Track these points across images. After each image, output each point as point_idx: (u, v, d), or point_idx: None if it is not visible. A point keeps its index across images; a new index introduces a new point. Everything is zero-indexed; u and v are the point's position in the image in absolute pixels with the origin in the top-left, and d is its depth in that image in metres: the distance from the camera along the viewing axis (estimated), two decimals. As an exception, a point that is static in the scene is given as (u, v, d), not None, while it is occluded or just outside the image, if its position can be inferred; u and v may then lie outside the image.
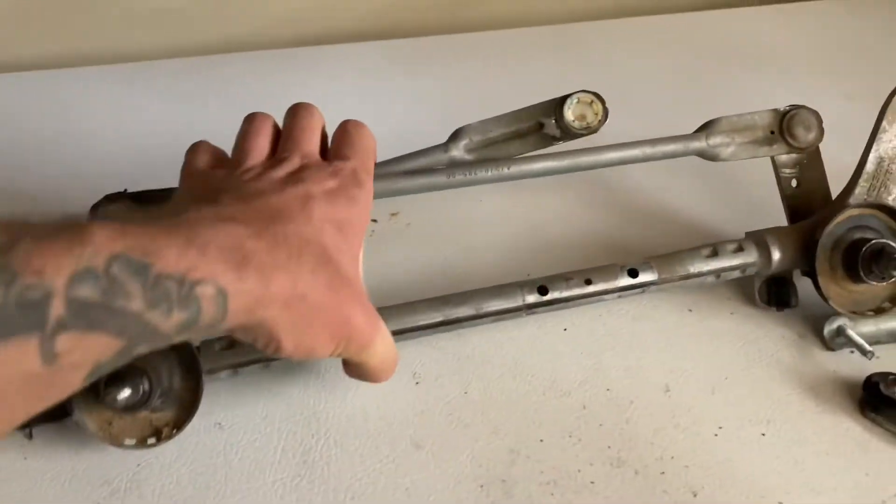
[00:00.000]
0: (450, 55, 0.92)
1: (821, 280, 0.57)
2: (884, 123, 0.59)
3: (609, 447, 0.54)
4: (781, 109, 0.63)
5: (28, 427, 0.51)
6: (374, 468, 0.52)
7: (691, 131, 0.64)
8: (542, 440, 0.54)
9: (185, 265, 0.34)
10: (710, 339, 0.61)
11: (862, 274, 0.55)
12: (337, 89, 0.85)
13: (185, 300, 0.34)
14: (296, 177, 0.45)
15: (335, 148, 0.50)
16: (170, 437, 0.50)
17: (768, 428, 0.55)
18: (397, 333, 0.53)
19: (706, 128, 0.63)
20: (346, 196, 0.45)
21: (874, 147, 0.60)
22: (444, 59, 0.91)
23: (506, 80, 0.88)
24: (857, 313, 0.58)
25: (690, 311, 0.63)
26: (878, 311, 0.58)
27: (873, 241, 0.55)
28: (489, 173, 0.60)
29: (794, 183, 0.63)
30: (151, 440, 0.50)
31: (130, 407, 0.47)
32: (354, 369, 0.50)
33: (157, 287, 0.33)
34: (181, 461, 0.52)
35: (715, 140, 0.62)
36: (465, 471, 0.52)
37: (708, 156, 0.63)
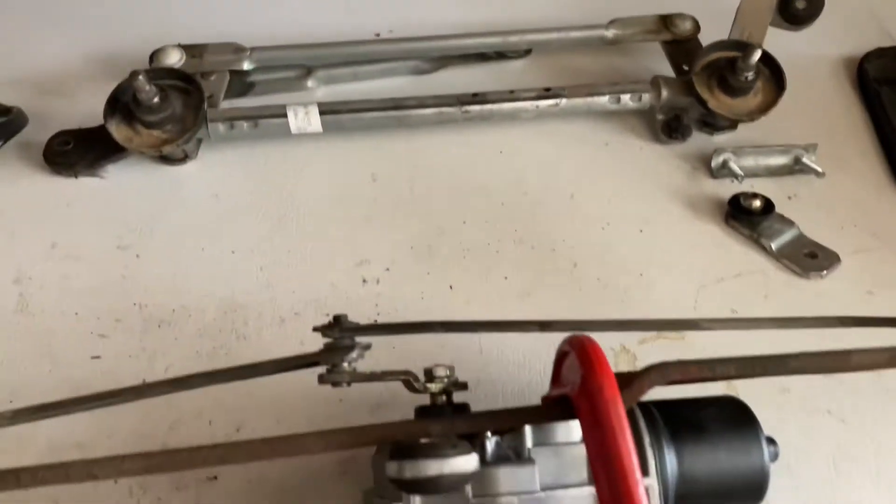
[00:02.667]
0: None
1: (703, 96, 0.72)
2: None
3: (515, 230, 0.68)
4: (664, 14, 0.82)
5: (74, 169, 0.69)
6: (331, 232, 0.68)
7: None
8: (464, 222, 0.69)
9: None
10: (618, 165, 0.75)
11: (731, 81, 0.71)
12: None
13: None
14: None
15: None
16: (170, 143, 0.67)
17: (646, 226, 0.69)
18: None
19: (611, 22, 0.82)
20: None
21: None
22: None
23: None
24: (736, 119, 0.73)
25: (607, 144, 0.77)
26: (751, 118, 0.72)
27: (726, 57, 0.72)
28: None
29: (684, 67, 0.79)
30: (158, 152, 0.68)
31: (148, 124, 0.67)
32: None
33: None
34: (185, 218, 0.69)
35: (615, 31, 0.82)
36: (401, 238, 0.68)
37: (610, 41, 0.82)
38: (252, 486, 0.51)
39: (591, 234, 0.68)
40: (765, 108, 0.73)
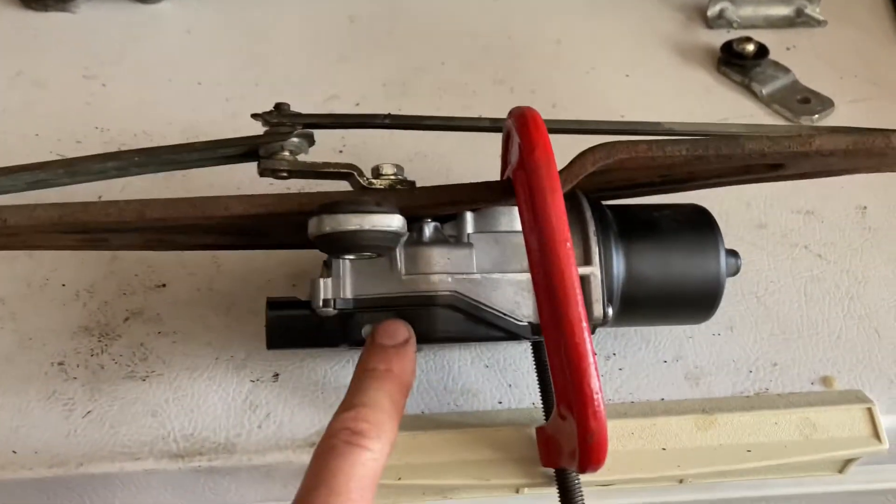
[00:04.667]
0: None
1: None
2: None
3: (496, 73, 0.66)
4: None
5: None
6: (302, 70, 0.66)
7: None
8: (443, 63, 0.66)
9: None
10: (610, 13, 0.71)
11: None
12: None
13: None
14: None
15: (301, 489, 0.33)
16: None
17: (634, 71, 0.66)
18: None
19: None
20: None
21: None
22: None
23: None
24: None
25: (603, -7, 0.73)
26: None
27: None
28: None
29: None
30: None
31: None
32: None
33: None
34: (155, 52, 0.67)
35: None
36: (375, 76, 0.65)
37: None
38: (201, 295, 0.50)
39: (574, 78, 0.65)
40: (767, -47, 0.69)
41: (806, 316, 0.50)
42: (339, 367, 0.47)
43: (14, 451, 0.43)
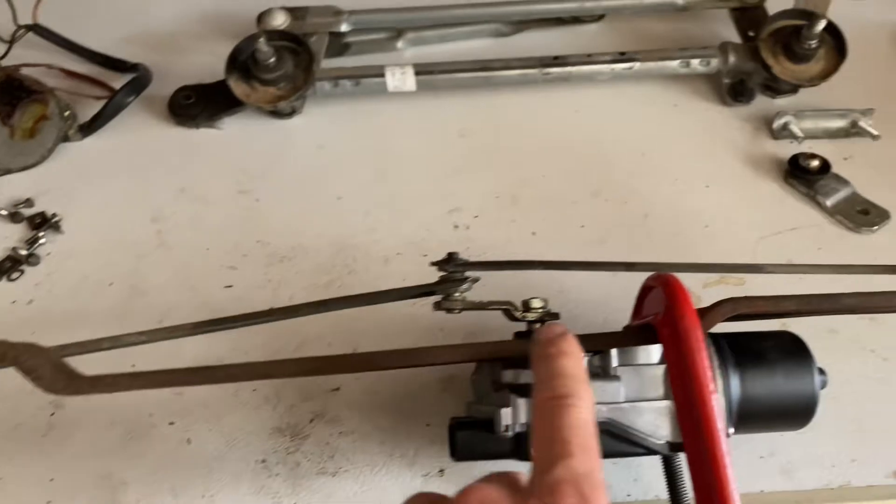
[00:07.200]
0: None
1: (767, 62, 0.78)
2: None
3: (591, 184, 0.76)
4: None
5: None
6: (424, 182, 0.76)
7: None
8: (544, 175, 0.76)
9: None
10: (686, 125, 0.81)
11: (795, 48, 0.77)
12: None
13: None
14: None
15: (537, 448, 0.37)
16: (285, 99, 0.77)
17: (712, 182, 0.76)
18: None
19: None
20: None
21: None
22: None
23: None
24: (798, 84, 0.79)
25: (675, 105, 0.83)
26: (812, 83, 0.78)
27: (792, 25, 0.78)
28: None
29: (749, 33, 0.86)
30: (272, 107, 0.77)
31: (264, 82, 0.75)
32: None
33: None
34: (295, 167, 0.77)
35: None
36: (488, 189, 0.75)
37: (680, 7, 0.89)
38: (368, 398, 0.60)
39: (660, 189, 0.75)
40: (826, 75, 0.78)
41: (877, 414, 0.59)
42: (491, 465, 0.56)
43: (241, 539, 0.53)
